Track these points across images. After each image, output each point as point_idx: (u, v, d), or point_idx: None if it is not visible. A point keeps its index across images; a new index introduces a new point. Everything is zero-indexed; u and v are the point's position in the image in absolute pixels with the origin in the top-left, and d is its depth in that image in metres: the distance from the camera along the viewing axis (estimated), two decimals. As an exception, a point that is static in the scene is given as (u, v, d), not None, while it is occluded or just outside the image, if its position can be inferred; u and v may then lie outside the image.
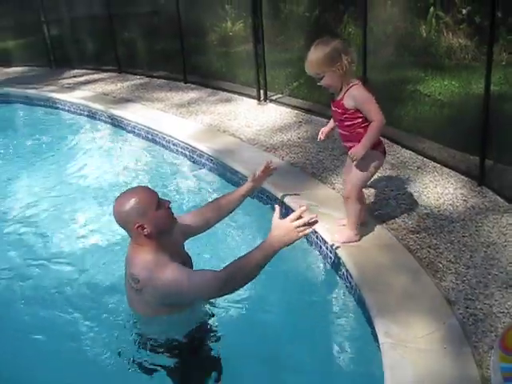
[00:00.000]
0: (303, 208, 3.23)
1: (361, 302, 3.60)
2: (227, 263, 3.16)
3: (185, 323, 3.32)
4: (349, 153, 3.75)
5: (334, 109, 3.74)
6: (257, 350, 3.47)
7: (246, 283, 3.22)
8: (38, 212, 5.67)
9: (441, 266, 3.77)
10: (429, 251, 3.93)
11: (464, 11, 7.55)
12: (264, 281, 3.98)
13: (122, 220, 3.16)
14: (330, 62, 3.47)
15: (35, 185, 6.35)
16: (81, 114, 8.72)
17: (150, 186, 3.33)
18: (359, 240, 4.05)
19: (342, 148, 5.69)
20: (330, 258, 4.13)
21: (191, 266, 3.45)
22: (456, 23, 7.51)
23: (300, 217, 3.18)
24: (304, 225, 3.17)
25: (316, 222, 3.25)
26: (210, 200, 4.15)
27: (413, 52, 7.00)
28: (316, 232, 4.27)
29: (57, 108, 9.17)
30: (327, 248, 4.17)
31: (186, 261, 3.40)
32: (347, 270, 3.84)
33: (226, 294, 3.27)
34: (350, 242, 3.99)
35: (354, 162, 3.70)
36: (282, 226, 3.20)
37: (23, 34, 12.38)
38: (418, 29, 7.49)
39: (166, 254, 3.17)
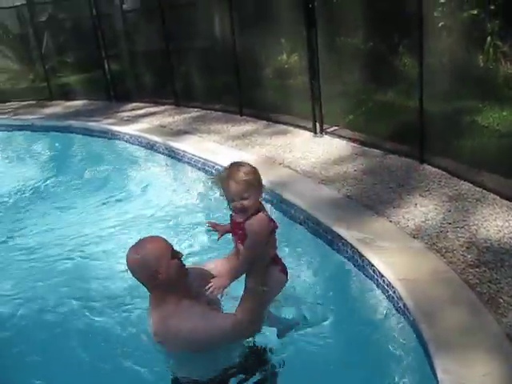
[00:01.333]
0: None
1: (419, 337, 3.54)
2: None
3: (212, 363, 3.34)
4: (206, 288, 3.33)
5: (235, 228, 3.45)
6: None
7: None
8: (91, 241, 5.81)
9: (502, 301, 3.68)
10: (489, 286, 3.84)
11: (523, 41, 7.44)
12: (321, 315, 3.99)
13: (137, 268, 3.20)
14: (257, 181, 3.30)
15: (92, 214, 6.55)
16: (139, 146, 8.92)
17: (165, 238, 3.35)
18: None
19: (399, 181, 5.70)
20: (387, 291, 4.08)
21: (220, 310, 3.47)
22: (515, 53, 7.40)
23: None
24: None
25: None
26: None
27: (470, 82, 6.90)
28: (373, 265, 4.24)
29: (116, 140, 9.41)
30: (384, 282, 4.12)
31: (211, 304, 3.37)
32: (405, 305, 3.78)
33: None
34: None
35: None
36: None
37: (85, 69, 12.82)
38: (475, 59, 7.41)
39: (183, 302, 3.22)
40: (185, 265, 3.32)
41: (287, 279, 3.53)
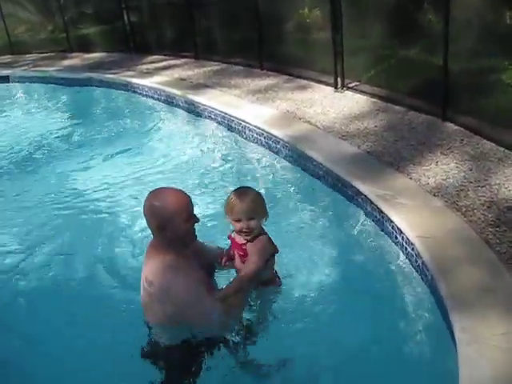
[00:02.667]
0: None
1: (436, 295, 3.54)
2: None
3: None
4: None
5: (235, 249, 3.48)
6: (328, 337, 3.49)
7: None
8: (113, 195, 5.86)
9: (521, 261, 3.66)
10: (509, 246, 3.81)
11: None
12: (337, 270, 4.00)
13: (150, 212, 3.18)
14: (263, 204, 3.37)
15: (112, 168, 6.57)
16: (158, 99, 8.89)
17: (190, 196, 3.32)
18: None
19: (420, 138, 5.64)
20: (406, 249, 4.08)
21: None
22: (543, 10, 7.21)
23: None
24: None
25: None
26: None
27: (496, 40, 6.75)
28: (392, 222, 4.23)
29: (135, 92, 9.41)
30: (403, 238, 4.11)
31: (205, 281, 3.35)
32: (423, 262, 3.78)
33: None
34: None
35: None
36: None
37: (104, 20, 12.72)
38: (502, 16, 7.24)
39: (182, 263, 3.19)
40: (195, 232, 3.29)
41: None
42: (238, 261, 3.44)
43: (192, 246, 3.33)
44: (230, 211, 3.32)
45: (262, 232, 3.41)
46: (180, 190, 3.32)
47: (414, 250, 3.93)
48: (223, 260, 3.54)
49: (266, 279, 3.47)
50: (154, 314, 3.26)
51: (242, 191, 3.40)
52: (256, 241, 3.35)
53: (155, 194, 3.23)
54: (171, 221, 3.12)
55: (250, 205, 3.30)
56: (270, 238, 3.42)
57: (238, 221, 3.29)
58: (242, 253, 3.39)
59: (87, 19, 13.20)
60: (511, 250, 3.76)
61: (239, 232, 3.34)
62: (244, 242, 3.36)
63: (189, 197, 3.27)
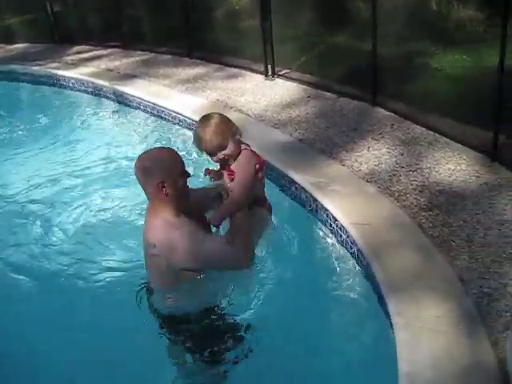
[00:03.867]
0: None
1: (373, 281, 3.54)
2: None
3: (198, 297, 3.30)
4: (208, 219, 3.43)
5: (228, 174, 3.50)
6: (267, 327, 3.41)
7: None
8: (39, 190, 5.65)
9: (454, 244, 3.69)
10: (442, 229, 3.85)
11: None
12: (272, 261, 3.95)
13: (145, 173, 3.10)
14: (229, 126, 3.40)
15: (37, 163, 6.32)
16: (86, 91, 8.64)
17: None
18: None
19: (351, 124, 5.65)
20: (341, 236, 4.06)
21: None
22: (467, -5, 7.34)
23: None
24: None
25: None
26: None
27: (423, 25, 6.82)
28: (327, 210, 4.20)
29: (61, 85, 9.09)
30: (337, 226, 4.10)
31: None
32: (358, 249, 3.77)
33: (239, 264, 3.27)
34: None
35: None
36: None
37: (26, 10, 12.24)
38: (429, 2, 7.33)
39: (182, 218, 3.14)
40: (188, 186, 3.25)
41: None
42: (227, 181, 3.44)
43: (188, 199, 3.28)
44: (199, 149, 3.40)
45: (242, 148, 3.45)
46: (167, 147, 3.36)
47: (349, 238, 3.92)
48: (210, 175, 3.57)
49: (260, 197, 3.57)
50: (166, 277, 3.21)
51: (202, 125, 3.39)
52: (239, 157, 3.41)
53: (145, 156, 3.17)
54: (169, 176, 3.06)
55: (214, 139, 3.32)
56: (252, 151, 3.47)
57: (214, 154, 3.35)
58: (229, 173, 3.42)
59: (9, 9, 12.69)
60: (443, 234, 3.80)
61: (220, 163, 3.41)
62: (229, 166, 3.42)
63: (177, 152, 3.23)
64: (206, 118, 3.43)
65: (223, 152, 3.37)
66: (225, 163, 3.45)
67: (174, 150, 3.25)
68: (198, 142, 3.41)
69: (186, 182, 3.20)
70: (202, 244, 3.11)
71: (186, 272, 3.17)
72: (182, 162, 3.19)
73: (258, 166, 3.49)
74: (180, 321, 3.26)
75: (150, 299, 3.35)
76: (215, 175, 3.56)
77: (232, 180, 3.41)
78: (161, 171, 3.06)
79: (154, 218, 3.14)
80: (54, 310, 3.85)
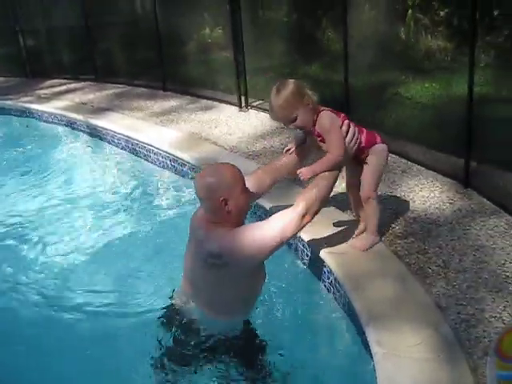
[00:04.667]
0: None
1: (350, 311, 3.53)
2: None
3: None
4: (297, 171, 3.47)
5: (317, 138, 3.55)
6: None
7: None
8: (16, 222, 5.60)
9: (430, 271, 3.71)
10: (417, 257, 3.87)
11: (442, 13, 7.53)
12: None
13: (209, 189, 3.11)
14: (299, 97, 3.34)
15: (10, 198, 6.26)
16: (59, 125, 8.59)
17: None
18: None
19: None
20: (317, 266, 4.05)
21: None
22: (435, 25, 7.48)
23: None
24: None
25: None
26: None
27: (393, 55, 6.94)
28: (302, 240, 4.20)
29: (34, 119, 9.04)
30: (314, 255, 4.09)
31: None
32: (335, 279, 3.76)
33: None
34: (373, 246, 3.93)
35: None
36: None
37: (-2, 44, 12.23)
38: (397, 31, 7.46)
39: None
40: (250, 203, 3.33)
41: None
42: (320, 144, 3.48)
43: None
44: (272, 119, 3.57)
45: (319, 109, 3.43)
46: (227, 163, 3.30)
47: (326, 267, 3.91)
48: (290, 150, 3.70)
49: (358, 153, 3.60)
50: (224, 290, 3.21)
51: (270, 99, 3.36)
52: (319, 120, 3.40)
53: (206, 172, 3.21)
54: (232, 193, 3.08)
55: (280, 113, 3.34)
56: (329, 110, 3.45)
57: (289, 124, 3.37)
58: (319, 137, 3.44)
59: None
60: (419, 261, 3.82)
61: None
62: (312, 129, 3.44)
63: (238, 168, 3.26)
64: (277, 89, 3.36)
65: (294, 124, 3.38)
66: (302, 130, 3.53)
67: (236, 167, 3.25)
68: (270, 113, 3.48)
69: (247, 199, 3.24)
70: (263, 225, 3.18)
71: (246, 280, 3.22)
72: (243, 179, 3.21)
73: (340, 123, 3.48)
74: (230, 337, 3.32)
75: (187, 322, 3.33)
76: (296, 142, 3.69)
77: (321, 141, 3.46)
78: (226, 188, 3.08)
79: (215, 230, 3.14)
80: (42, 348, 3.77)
